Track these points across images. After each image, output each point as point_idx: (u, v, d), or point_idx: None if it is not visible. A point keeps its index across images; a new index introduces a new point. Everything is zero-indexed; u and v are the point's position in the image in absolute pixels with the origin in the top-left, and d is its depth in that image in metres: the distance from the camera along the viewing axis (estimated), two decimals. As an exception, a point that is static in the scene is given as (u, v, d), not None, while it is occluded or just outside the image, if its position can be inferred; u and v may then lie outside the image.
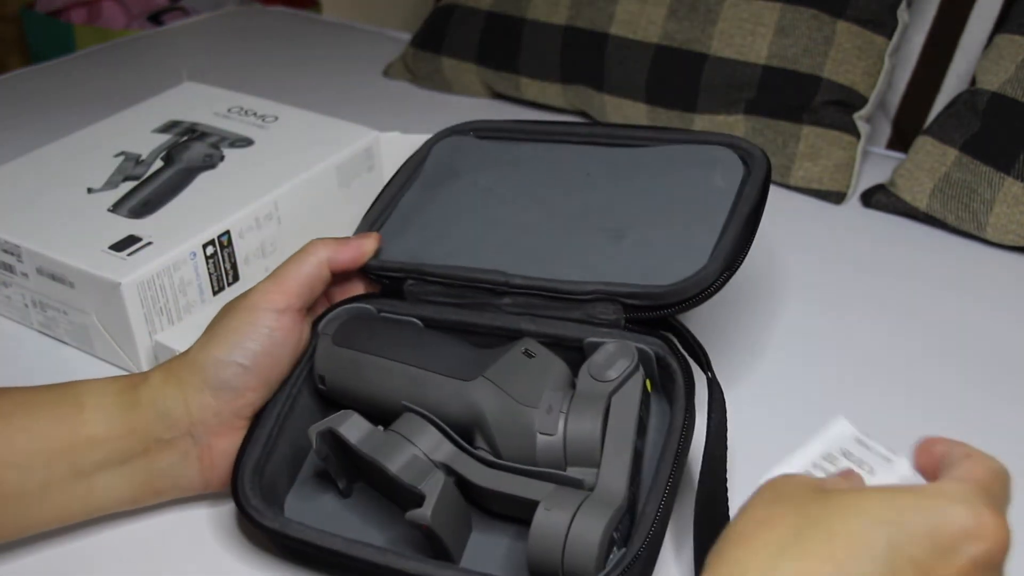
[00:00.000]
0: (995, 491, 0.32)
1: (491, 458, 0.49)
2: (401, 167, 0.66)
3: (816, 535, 0.30)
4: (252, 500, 0.48)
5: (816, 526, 0.30)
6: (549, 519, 0.44)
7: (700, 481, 0.48)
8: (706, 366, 0.51)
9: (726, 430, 0.50)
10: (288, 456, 0.53)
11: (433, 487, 0.46)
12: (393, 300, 0.57)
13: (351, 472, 0.52)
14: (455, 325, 0.56)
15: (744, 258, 0.54)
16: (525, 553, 0.45)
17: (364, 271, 0.59)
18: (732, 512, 0.48)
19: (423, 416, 0.50)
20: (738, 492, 0.51)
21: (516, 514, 0.48)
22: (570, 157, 0.63)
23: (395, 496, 0.50)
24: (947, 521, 0.30)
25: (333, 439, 0.50)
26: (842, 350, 0.66)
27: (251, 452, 0.50)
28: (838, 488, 0.33)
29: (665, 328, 0.53)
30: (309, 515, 0.50)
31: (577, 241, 0.58)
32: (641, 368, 0.50)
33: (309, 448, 0.54)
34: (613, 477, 0.46)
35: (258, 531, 0.48)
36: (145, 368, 0.63)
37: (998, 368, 0.65)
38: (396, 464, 0.47)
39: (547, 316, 0.55)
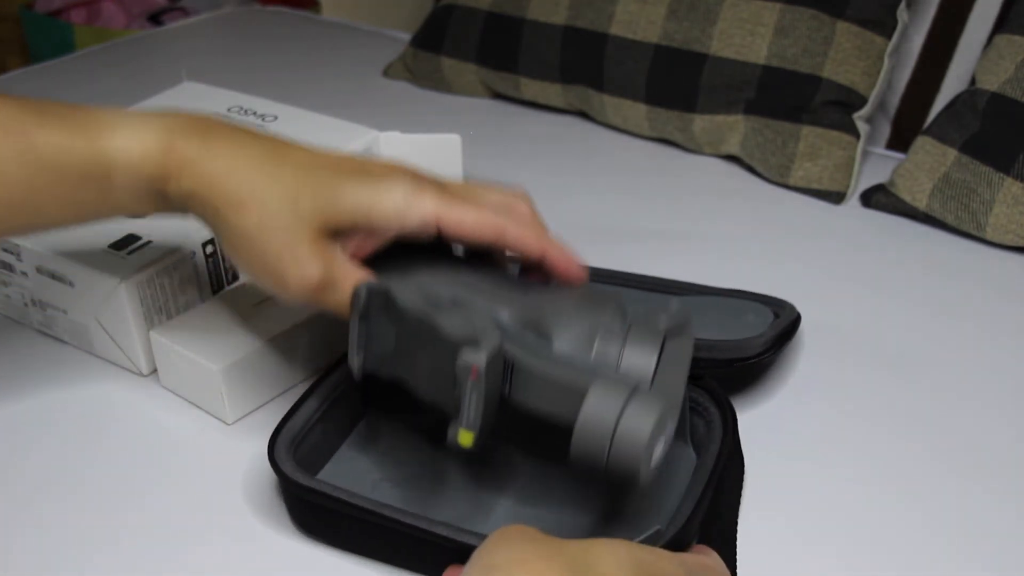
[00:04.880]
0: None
1: (543, 345, 0.46)
2: None
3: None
4: (286, 464, 0.49)
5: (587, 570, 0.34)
6: (604, 394, 0.42)
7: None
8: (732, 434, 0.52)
9: (739, 501, 0.51)
10: (326, 440, 0.55)
11: (490, 337, 0.43)
12: None
13: (383, 346, 0.49)
14: None
15: (785, 344, 0.60)
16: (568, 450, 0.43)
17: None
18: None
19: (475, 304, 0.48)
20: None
21: (555, 414, 0.44)
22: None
23: (432, 385, 0.47)
24: (666, 567, 0.38)
25: (383, 300, 0.48)
26: (841, 350, 0.66)
27: (291, 426, 0.52)
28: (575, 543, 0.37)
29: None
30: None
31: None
32: (689, 333, 0.48)
33: (346, 435, 0.56)
34: (670, 382, 0.45)
35: (290, 492, 0.49)
36: (145, 371, 0.63)
37: (998, 368, 0.65)
38: (447, 323, 0.45)
39: None
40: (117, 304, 0.61)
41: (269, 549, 0.51)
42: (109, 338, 0.63)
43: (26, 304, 0.67)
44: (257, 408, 0.61)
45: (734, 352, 0.57)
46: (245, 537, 0.51)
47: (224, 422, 0.59)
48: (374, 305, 0.48)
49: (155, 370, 0.63)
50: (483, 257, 0.53)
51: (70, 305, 0.64)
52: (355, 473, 0.54)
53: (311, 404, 0.54)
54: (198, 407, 0.60)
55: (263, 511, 0.53)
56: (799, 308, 0.63)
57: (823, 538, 0.51)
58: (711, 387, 0.55)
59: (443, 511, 0.49)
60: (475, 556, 0.36)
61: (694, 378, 0.55)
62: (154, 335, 0.60)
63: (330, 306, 0.49)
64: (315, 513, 0.50)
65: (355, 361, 0.49)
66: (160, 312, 0.62)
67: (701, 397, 0.54)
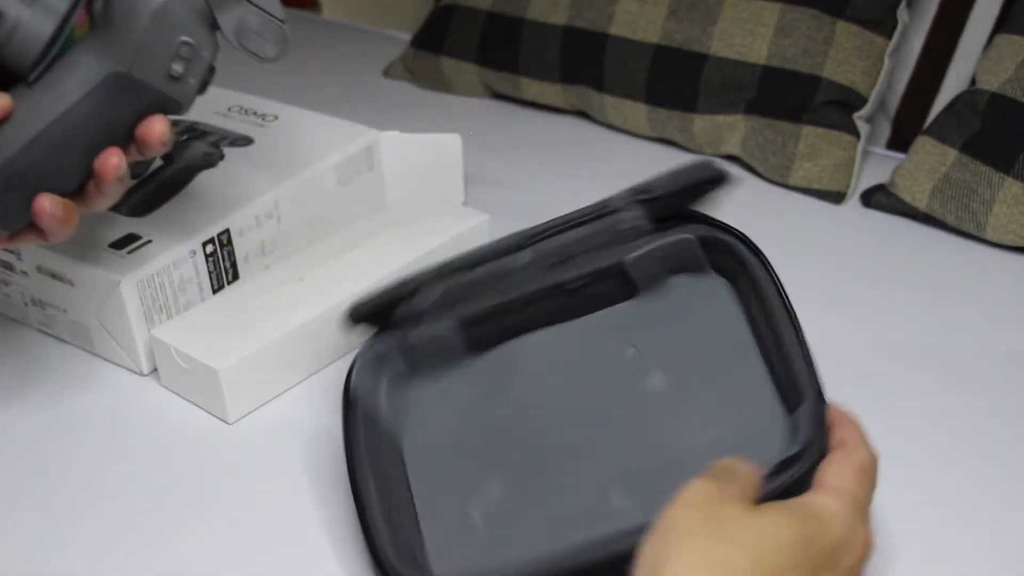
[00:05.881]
0: (861, 495, 0.40)
1: None
2: None
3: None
4: (402, 570, 0.45)
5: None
6: None
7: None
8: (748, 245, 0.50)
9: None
10: (404, 518, 0.49)
11: None
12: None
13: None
14: (494, 310, 0.53)
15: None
16: None
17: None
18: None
19: None
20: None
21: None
22: None
23: None
24: (829, 537, 0.38)
25: None
26: (840, 350, 0.66)
27: (378, 532, 0.47)
28: (742, 508, 0.37)
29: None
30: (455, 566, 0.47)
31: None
32: None
33: (411, 502, 0.50)
34: None
35: None
36: (145, 371, 0.63)
37: (997, 368, 0.65)
38: None
39: (576, 255, 0.52)
40: (117, 304, 0.61)
41: (269, 548, 0.51)
42: (109, 338, 0.63)
43: (26, 304, 0.67)
44: (257, 408, 0.61)
45: (695, 174, 0.52)
46: (245, 536, 0.51)
47: (224, 422, 0.59)
48: None
49: (155, 370, 0.63)
50: None
51: (70, 304, 0.64)
52: (457, 543, 0.48)
53: (372, 506, 0.48)
54: (198, 407, 0.60)
55: (263, 511, 0.53)
56: (797, 308, 0.63)
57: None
58: (708, 223, 0.51)
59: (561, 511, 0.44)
60: (653, 536, 0.36)
61: (680, 223, 0.52)
62: (154, 335, 0.60)
63: None
64: None
65: None
66: (160, 311, 0.62)
67: (703, 231, 0.51)
